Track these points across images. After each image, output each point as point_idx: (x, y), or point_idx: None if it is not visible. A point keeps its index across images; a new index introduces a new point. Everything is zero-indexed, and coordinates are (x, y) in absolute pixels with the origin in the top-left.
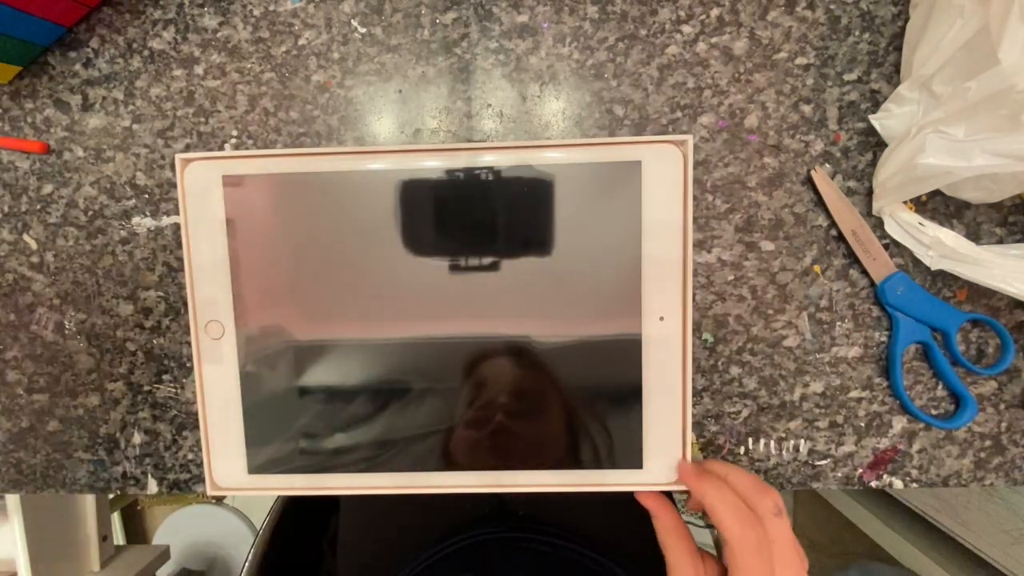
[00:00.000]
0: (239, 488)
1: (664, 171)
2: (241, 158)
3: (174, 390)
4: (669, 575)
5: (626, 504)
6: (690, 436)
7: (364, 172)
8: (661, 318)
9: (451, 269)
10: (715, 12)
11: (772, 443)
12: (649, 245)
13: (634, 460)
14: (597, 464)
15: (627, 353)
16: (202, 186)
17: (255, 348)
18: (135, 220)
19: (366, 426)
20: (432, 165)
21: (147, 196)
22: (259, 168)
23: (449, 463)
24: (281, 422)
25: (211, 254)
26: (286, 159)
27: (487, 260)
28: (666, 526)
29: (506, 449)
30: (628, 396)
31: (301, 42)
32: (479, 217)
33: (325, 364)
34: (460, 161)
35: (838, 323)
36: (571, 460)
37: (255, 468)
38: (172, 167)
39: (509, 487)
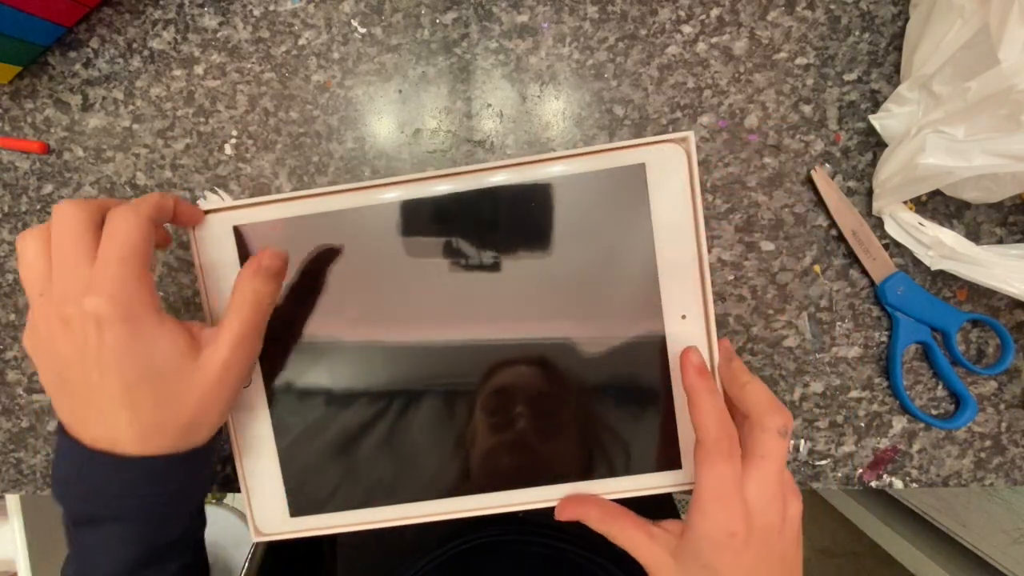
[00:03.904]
0: (283, 532)
1: (668, 170)
2: (250, 207)
3: None
4: (633, 554)
5: (627, 506)
6: None
7: (372, 206)
8: (683, 316)
9: (468, 286)
10: (715, 12)
11: None
12: (663, 245)
13: (672, 461)
14: (636, 469)
15: (653, 354)
16: (214, 238)
17: (284, 392)
18: None
19: (401, 453)
20: (440, 188)
21: None
22: (268, 215)
23: (490, 483)
24: (318, 462)
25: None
26: (294, 203)
27: (506, 277)
28: (601, 518)
29: (545, 462)
30: (659, 396)
31: (301, 42)
32: (492, 234)
33: (356, 399)
34: (467, 184)
35: (838, 323)
36: (610, 468)
37: (297, 511)
38: (172, 167)
39: (554, 502)
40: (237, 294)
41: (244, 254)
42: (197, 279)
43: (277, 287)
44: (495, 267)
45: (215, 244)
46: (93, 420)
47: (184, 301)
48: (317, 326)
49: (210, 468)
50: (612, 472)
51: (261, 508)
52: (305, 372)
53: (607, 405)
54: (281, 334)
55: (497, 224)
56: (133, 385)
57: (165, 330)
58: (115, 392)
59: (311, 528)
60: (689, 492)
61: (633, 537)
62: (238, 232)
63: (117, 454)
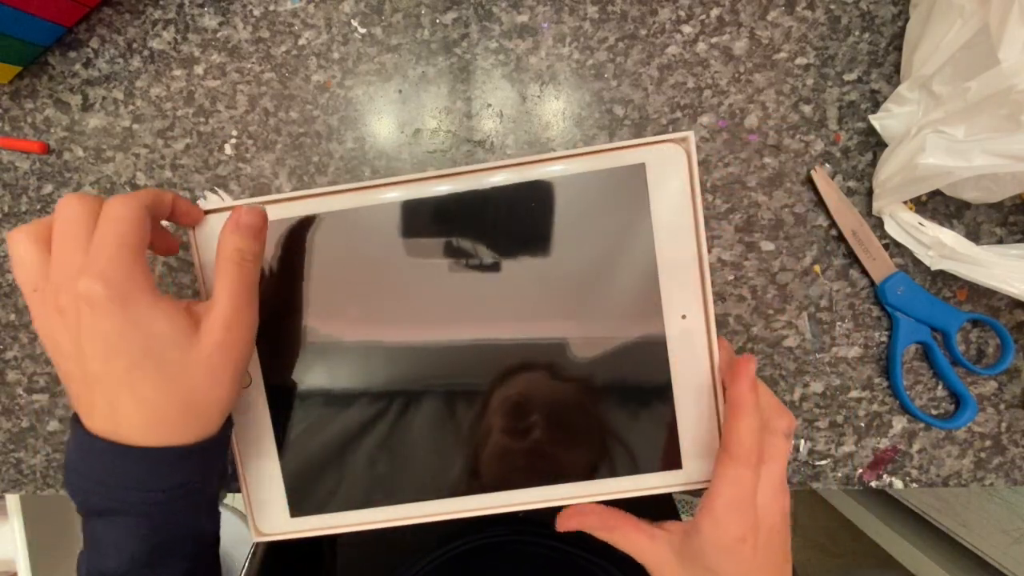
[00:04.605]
0: (284, 533)
1: (669, 170)
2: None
3: None
4: (636, 557)
5: (626, 508)
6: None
7: (372, 206)
8: (683, 316)
9: (467, 285)
10: (715, 12)
11: None
12: (663, 245)
13: (673, 461)
14: (636, 469)
15: (653, 354)
16: (214, 238)
17: (283, 392)
18: None
19: (402, 453)
20: (440, 189)
21: None
22: (268, 215)
23: (491, 483)
24: (318, 462)
25: None
26: (293, 203)
27: (504, 276)
28: (601, 526)
29: (547, 463)
30: (659, 396)
31: (301, 42)
32: (491, 233)
33: (356, 399)
34: (467, 184)
35: (838, 323)
36: (610, 468)
37: (297, 511)
38: (172, 167)
39: (554, 502)
40: (220, 256)
41: None
42: (197, 279)
43: (259, 245)
44: (495, 267)
45: (215, 244)
46: (98, 408)
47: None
48: (317, 325)
49: (222, 464)
50: (613, 472)
51: (261, 508)
52: (305, 371)
53: (607, 405)
54: (281, 333)
55: (497, 224)
56: (133, 367)
57: (160, 309)
58: (115, 377)
59: (312, 528)
60: (690, 492)
61: (635, 541)
62: None
63: (121, 444)
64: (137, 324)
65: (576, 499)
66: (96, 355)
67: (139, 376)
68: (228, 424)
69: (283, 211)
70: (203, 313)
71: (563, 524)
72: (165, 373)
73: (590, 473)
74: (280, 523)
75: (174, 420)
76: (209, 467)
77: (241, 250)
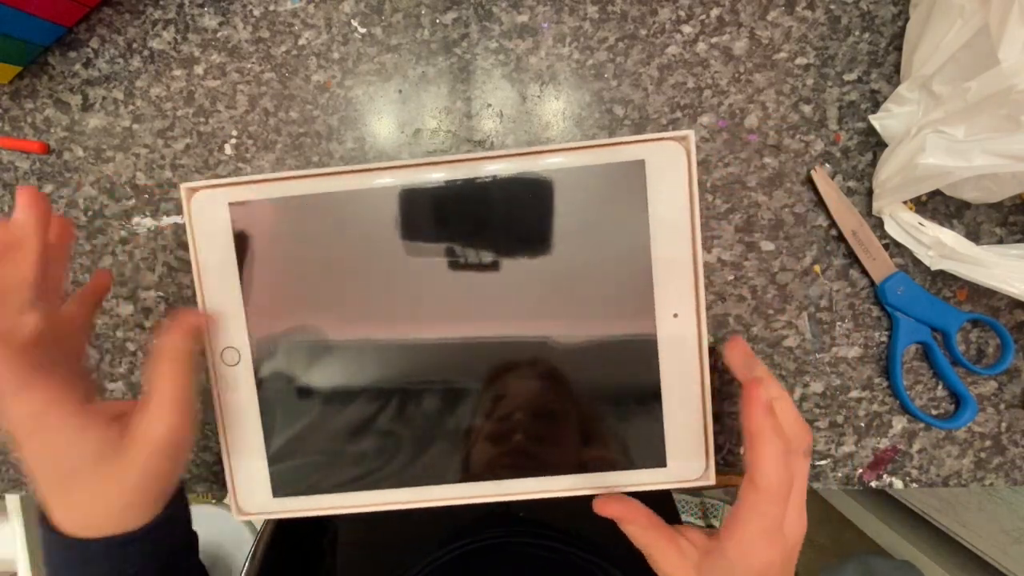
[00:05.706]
0: (265, 512)
1: (668, 168)
2: (246, 184)
3: None
4: (660, 565)
5: None
6: (712, 430)
7: (367, 190)
8: (675, 315)
9: (459, 275)
10: (715, 12)
11: None
12: (658, 243)
13: (658, 459)
14: (621, 465)
15: (643, 351)
16: (209, 214)
17: (271, 372)
18: (135, 220)
19: (387, 439)
20: (435, 176)
21: (147, 196)
22: (264, 193)
23: (473, 472)
24: (302, 443)
25: (222, 281)
26: (291, 182)
27: (497, 267)
28: (630, 520)
29: (530, 455)
30: (647, 394)
31: (301, 42)
32: (486, 224)
33: (343, 383)
34: (464, 172)
35: (838, 323)
36: (594, 463)
37: (280, 491)
38: (172, 167)
39: (538, 493)
40: (157, 355)
41: (239, 231)
42: (191, 257)
43: (191, 345)
44: (491, 260)
45: (209, 221)
46: (40, 495)
47: (185, 300)
48: (307, 308)
49: (182, 532)
50: (597, 467)
51: (244, 487)
52: (294, 352)
53: (596, 401)
54: (271, 313)
55: (494, 216)
56: (62, 480)
57: (86, 430)
58: (47, 485)
59: (293, 509)
60: (689, 492)
61: (666, 553)
62: (233, 208)
63: (58, 531)
64: (63, 447)
65: (561, 492)
66: (27, 462)
67: (68, 488)
68: (178, 499)
69: (273, 191)
70: (137, 412)
71: (604, 508)
72: (98, 483)
73: (576, 468)
74: (262, 502)
75: (108, 517)
76: (157, 549)
77: (175, 349)
